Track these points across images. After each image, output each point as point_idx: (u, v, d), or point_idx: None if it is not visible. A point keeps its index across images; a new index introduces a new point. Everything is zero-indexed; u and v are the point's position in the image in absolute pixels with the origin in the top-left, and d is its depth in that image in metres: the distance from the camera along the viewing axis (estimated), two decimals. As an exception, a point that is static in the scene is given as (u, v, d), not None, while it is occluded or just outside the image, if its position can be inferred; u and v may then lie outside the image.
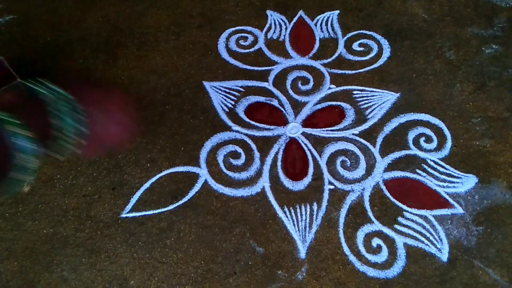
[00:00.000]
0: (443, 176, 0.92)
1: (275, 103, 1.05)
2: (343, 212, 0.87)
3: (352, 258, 0.82)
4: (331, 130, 0.99)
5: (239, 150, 0.97)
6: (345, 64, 1.12)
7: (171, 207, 0.89)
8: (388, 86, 1.07)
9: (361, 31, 1.19)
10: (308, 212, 0.88)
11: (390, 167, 0.93)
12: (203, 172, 0.93)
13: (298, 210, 0.88)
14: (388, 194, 0.89)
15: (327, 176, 0.93)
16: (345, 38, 1.18)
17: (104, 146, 0.64)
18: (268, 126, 1.01)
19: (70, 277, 0.81)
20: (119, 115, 0.66)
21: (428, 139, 0.97)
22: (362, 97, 1.05)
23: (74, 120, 0.55)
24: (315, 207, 0.88)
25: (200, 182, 0.92)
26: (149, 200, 0.90)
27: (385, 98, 1.05)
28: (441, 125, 1.00)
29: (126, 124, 0.69)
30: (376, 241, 0.84)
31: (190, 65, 1.13)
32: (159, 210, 0.89)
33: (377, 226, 0.85)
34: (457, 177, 0.91)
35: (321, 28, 1.21)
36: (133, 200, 0.90)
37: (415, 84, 1.07)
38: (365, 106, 1.03)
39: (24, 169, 0.47)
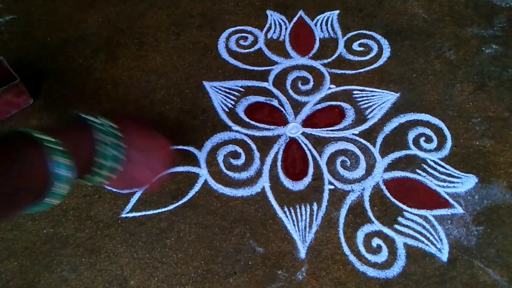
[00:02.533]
0: (443, 176, 0.92)
1: (275, 103, 1.05)
2: (343, 212, 0.87)
3: (352, 258, 0.82)
4: (331, 130, 0.99)
5: (239, 150, 0.97)
6: (345, 64, 1.12)
7: (171, 207, 0.89)
8: (388, 86, 1.07)
9: (361, 31, 1.19)
10: (308, 212, 0.88)
11: (390, 167, 0.93)
12: (203, 172, 0.93)
13: (298, 210, 0.88)
14: (388, 194, 0.89)
15: (327, 176, 0.93)
16: (345, 38, 1.18)
17: (131, 185, 0.64)
18: (268, 126, 1.01)
19: (70, 277, 0.81)
20: (156, 161, 0.64)
21: (428, 139, 0.97)
22: (362, 97, 1.05)
23: (114, 157, 0.54)
24: (315, 207, 0.88)
25: (200, 182, 0.92)
26: (149, 200, 0.90)
27: (385, 98, 1.05)
28: (441, 125, 1.00)
29: (159, 171, 0.68)
30: (376, 241, 0.84)
31: (190, 65, 1.14)
32: (159, 210, 0.89)
33: (377, 226, 0.85)
34: (457, 177, 0.91)
35: (321, 28, 1.21)
36: (133, 200, 0.90)
37: (415, 84, 1.07)
38: (365, 106, 1.04)
39: (56, 195, 0.46)
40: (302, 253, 0.83)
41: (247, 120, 1.02)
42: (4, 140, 0.43)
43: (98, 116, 0.57)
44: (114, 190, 0.67)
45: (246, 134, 0.99)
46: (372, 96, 1.05)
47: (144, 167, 0.61)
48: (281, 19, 1.24)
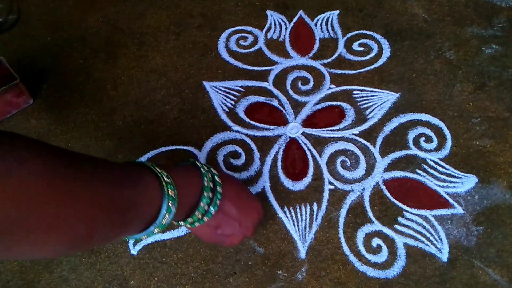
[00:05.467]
0: (443, 176, 0.92)
1: (275, 103, 1.05)
2: (343, 212, 0.87)
3: (352, 258, 0.82)
4: (331, 130, 0.99)
5: (239, 150, 0.97)
6: (345, 64, 1.12)
7: (171, 207, 0.89)
8: (388, 86, 1.07)
9: (361, 31, 1.19)
10: (308, 212, 0.88)
11: (390, 167, 0.93)
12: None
13: (298, 210, 0.88)
14: (388, 194, 0.89)
15: (327, 176, 0.93)
16: (345, 38, 1.18)
17: (216, 238, 0.66)
18: (268, 126, 1.01)
19: (70, 277, 0.81)
20: (248, 220, 0.66)
21: (428, 139, 0.97)
22: (362, 97, 1.05)
23: (211, 201, 0.57)
24: (315, 207, 0.88)
25: (200, 182, 0.92)
26: (149, 200, 0.90)
27: (385, 98, 1.05)
28: (441, 125, 1.00)
29: (248, 231, 0.68)
30: (376, 241, 0.84)
31: (190, 65, 1.14)
32: (159, 210, 0.89)
33: (377, 226, 0.85)
34: (457, 177, 0.91)
35: (321, 28, 1.21)
36: (133, 200, 0.90)
37: (415, 84, 1.07)
38: (365, 106, 1.04)
39: (160, 225, 0.49)
40: (302, 253, 0.83)
41: (247, 120, 1.02)
42: (132, 167, 0.47)
43: (208, 166, 0.63)
44: (199, 236, 0.70)
45: (246, 134, 0.99)
46: (372, 96, 1.05)
47: (235, 221, 0.63)
48: (281, 19, 1.24)
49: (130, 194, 0.42)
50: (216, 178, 0.60)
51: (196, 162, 0.62)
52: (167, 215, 0.47)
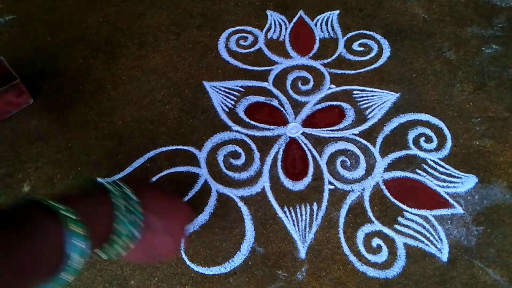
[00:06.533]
0: (443, 176, 0.92)
1: (275, 103, 1.05)
2: (343, 212, 0.87)
3: (352, 258, 0.82)
4: (331, 130, 0.99)
5: (239, 150, 0.97)
6: (345, 64, 1.12)
7: (171, 207, 0.89)
8: (388, 86, 1.07)
9: (361, 31, 1.19)
10: (308, 212, 0.88)
11: (390, 167, 0.93)
12: (203, 172, 0.93)
13: (298, 210, 0.88)
14: (388, 194, 0.89)
15: (327, 176, 0.93)
16: (345, 38, 1.18)
17: (151, 256, 0.56)
18: (268, 126, 1.01)
19: (70, 277, 0.81)
20: (177, 226, 0.57)
21: (428, 139, 0.97)
22: (362, 97, 1.05)
23: (131, 223, 0.48)
24: (315, 207, 0.88)
25: (200, 182, 0.92)
26: (149, 200, 0.90)
27: (385, 98, 1.05)
28: (441, 125, 1.00)
29: (180, 237, 0.59)
30: (376, 241, 0.84)
31: (190, 65, 1.14)
32: (159, 210, 0.88)
33: (377, 226, 0.85)
34: (457, 177, 0.91)
35: (321, 28, 1.21)
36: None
37: (415, 84, 1.07)
38: (365, 106, 1.04)
39: (71, 269, 0.41)
40: (302, 253, 0.83)
41: (247, 120, 1.02)
42: (18, 210, 0.39)
43: (115, 181, 0.53)
44: (134, 262, 0.59)
45: (246, 134, 0.99)
46: (372, 96, 1.05)
47: (165, 234, 0.55)
48: (281, 19, 1.24)
49: (24, 255, 0.35)
50: (130, 194, 0.51)
51: (100, 180, 0.51)
52: (79, 258, 0.40)
